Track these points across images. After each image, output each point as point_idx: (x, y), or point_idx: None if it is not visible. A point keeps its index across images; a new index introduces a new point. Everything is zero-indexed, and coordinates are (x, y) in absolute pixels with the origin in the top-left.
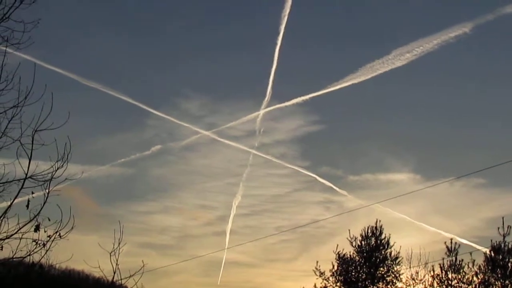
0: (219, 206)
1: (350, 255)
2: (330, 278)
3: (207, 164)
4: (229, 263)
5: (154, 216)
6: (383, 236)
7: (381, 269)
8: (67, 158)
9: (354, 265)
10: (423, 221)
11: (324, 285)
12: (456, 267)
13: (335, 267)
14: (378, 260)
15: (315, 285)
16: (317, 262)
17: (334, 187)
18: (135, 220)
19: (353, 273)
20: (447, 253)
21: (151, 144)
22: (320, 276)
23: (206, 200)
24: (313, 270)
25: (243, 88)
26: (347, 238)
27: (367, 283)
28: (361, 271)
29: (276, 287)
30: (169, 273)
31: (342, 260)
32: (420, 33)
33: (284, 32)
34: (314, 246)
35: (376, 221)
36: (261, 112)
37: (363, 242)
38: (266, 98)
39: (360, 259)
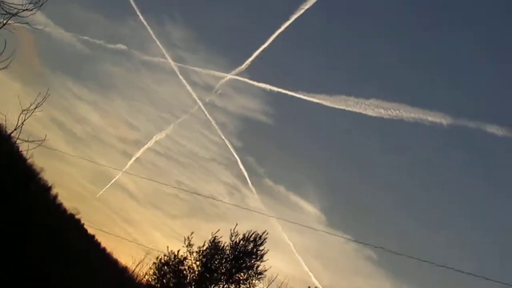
0: (141, 131)
1: (223, 245)
2: (194, 254)
3: (154, 89)
4: (118, 185)
5: (81, 103)
6: (261, 248)
7: (242, 274)
8: (41, 4)
9: (221, 256)
10: (302, 257)
11: (185, 256)
12: None
13: (205, 247)
14: (244, 265)
15: (178, 251)
16: (192, 232)
17: (248, 180)
18: (63, 96)
19: (216, 263)
20: None
21: (119, 40)
22: (187, 246)
23: (133, 118)
24: (184, 237)
25: (229, 44)
26: (231, 230)
27: (222, 278)
28: (223, 265)
29: (144, 231)
30: (61, 160)
31: (214, 244)
32: (402, 99)
33: (293, 23)
34: (199, 218)
35: (264, 232)
36: (229, 76)
37: (241, 242)
38: (241, 67)
39: (229, 255)
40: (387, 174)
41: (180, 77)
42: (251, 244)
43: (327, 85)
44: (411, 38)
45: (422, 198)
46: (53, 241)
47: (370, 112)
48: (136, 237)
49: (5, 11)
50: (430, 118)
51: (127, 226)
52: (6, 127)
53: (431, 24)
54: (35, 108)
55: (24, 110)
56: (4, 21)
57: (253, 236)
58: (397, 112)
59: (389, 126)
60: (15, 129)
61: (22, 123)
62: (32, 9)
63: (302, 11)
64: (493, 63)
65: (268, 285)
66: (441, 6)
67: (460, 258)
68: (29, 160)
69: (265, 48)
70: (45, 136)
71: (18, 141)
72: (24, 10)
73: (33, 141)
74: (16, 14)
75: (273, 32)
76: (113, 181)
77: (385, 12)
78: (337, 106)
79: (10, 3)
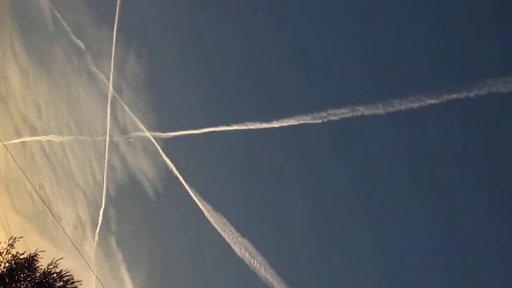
0: (43, 123)
1: (38, 267)
2: (9, 255)
3: (81, 98)
4: None
5: (14, 64)
6: None
7: None
8: None
9: (31, 275)
10: None
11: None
12: None
13: (22, 256)
14: None
15: None
16: (21, 237)
17: (97, 231)
18: (7, 48)
19: (22, 276)
20: None
21: None
22: (8, 245)
23: (47, 108)
24: (12, 236)
25: None
26: (53, 258)
27: None
28: (26, 284)
29: None
30: None
31: (31, 260)
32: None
33: None
34: (35, 228)
35: (78, 281)
36: None
37: (54, 275)
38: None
39: (37, 279)
40: None
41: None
42: (60, 283)
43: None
44: None
45: None
46: None
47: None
48: None
49: None
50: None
51: None
52: None
53: None
54: None
55: None
56: None
57: (68, 277)
58: None
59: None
60: None
61: None
62: None
63: None
64: None
65: None
66: None
67: None
68: None
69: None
70: None
71: None
72: None
73: None
74: None
75: None
76: None
77: None
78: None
79: None
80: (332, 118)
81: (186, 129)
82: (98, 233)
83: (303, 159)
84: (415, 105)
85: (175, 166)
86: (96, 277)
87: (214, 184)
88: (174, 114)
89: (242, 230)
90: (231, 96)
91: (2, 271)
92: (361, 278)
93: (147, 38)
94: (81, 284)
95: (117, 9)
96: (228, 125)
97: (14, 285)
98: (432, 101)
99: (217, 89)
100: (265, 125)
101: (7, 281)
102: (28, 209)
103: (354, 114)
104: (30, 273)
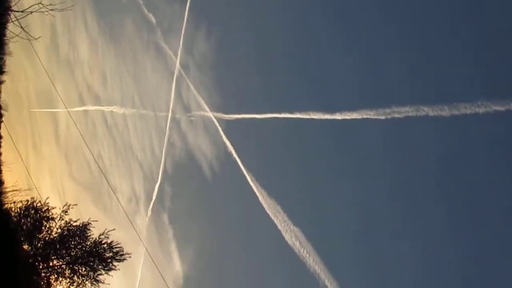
0: (108, 94)
1: (89, 235)
2: (62, 221)
3: (147, 75)
4: (53, 116)
5: (84, 33)
6: (116, 263)
7: (83, 268)
8: None
9: (81, 242)
10: None
11: (54, 216)
12: None
13: (75, 224)
14: (91, 264)
15: (51, 207)
16: (76, 204)
17: (151, 204)
18: (79, 17)
19: (73, 243)
20: None
21: None
22: (62, 211)
23: (112, 79)
24: (66, 203)
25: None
26: (105, 229)
27: (66, 257)
28: (75, 250)
29: (40, 168)
30: (32, 62)
31: (83, 228)
32: None
33: None
34: (90, 196)
35: (128, 253)
36: None
37: (104, 245)
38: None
39: (87, 247)
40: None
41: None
42: (110, 253)
43: None
44: None
45: None
46: None
47: None
48: (31, 166)
49: None
50: None
51: (32, 153)
52: None
53: None
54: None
55: None
56: None
57: (117, 247)
58: None
59: None
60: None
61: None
62: None
63: None
64: None
65: None
66: None
67: None
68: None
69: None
70: (39, 37)
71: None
72: None
73: (27, 33)
74: None
75: None
76: (53, 110)
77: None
78: None
79: None
80: (396, 115)
81: (249, 113)
82: (152, 208)
83: (363, 153)
84: (481, 110)
85: (234, 148)
86: (146, 250)
87: (271, 171)
88: (238, 97)
89: (295, 218)
90: (296, 85)
91: (54, 237)
92: (409, 275)
93: (218, 18)
94: (130, 257)
95: None
96: (291, 112)
97: (64, 252)
98: (498, 108)
99: (282, 77)
100: (327, 116)
101: (57, 246)
102: (84, 178)
103: (419, 114)
104: (81, 241)
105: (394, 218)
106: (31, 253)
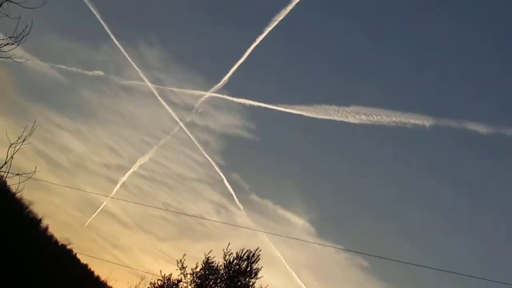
0: (125, 156)
1: (217, 266)
2: (188, 276)
3: (134, 113)
4: (105, 211)
5: (63, 133)
6: (255, 265)
7: None
8: (21, 39)
9: (216, 276)
10: (295, 271)
11: (180, 279)
12: None
13: (198, 269)
14: (239, 283)
15: (171, 275)
16: (184, 254)
17: (234, 197)
18: (45, 127)
19: (211, 283)
20: None
21: (96, 67)
22: (180, 269)
23: (116, 144)
24: (177, 260)
25: (205, 63)
26: (223, 250)
27: None
28: (219, 285)
29: (135, 256)
30: (49, 191)
31: (208, 265)
32: (384, 104)
33: (267, 35)
34: (189, 238)
35: (256, 249)
36: (208, 94)
37: (235, 261)
38: (219, 85)
39: (224, 274)
40: (373, 181)
41: (159, 98)
42: (245, 263)
43: (306, 95)
44: (387, 42)
45: (410, 201)
46: (46, 272)
47: (351, 120)
48: (127, 262)
49: None
50: (412, 121)
51: (118, 252)
52: None
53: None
54: (23, 141)
55: (13, 144)
56: None
57: (246, 254)
58: (379, 117)
59: (372, 131)
60: (5, 163)
61: (12, 157)
62: (13, 43)
63: (276, 23)
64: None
65: None
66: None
67: (456, 260)
68: (18, 194)
69: (241, 63)
70: (35, 169)
71: (8, 175)
72: (5, 45)
73: (22, 174)
74: None
75: (249, 47)
76: (100, 208)
77: (359, 16)
78: (318, 116)
79: None
80: None
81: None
82: (239, 201)
83: None
84: None
85: (251, 99)
86: (265, 233)
87: None
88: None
89: None
90: None
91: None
92: None
93: None
94: (260, 251)
95: None
96: None
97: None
98: None
99: None
100: None
101: None
102: (171, 230)
103: None
104: (216, 276)
105: None
106: None
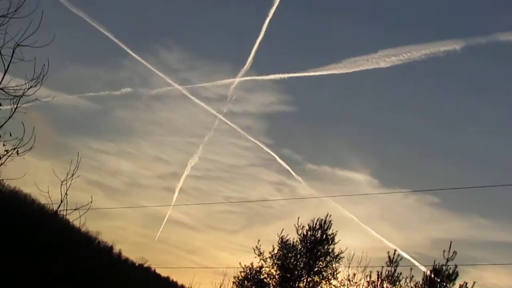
0: (174, 163)
1: (293, 242)
2: (268, 260)
3: (172, 118)
4: (171, 220)
5: (109, 157)
6: (329, 231)
7: (320, 263)
8: (42, 79)
9: (294, 252)
10: (370, 226)
11: (261, 265)
12: (393, 278)
13: (275, 250)
14: (319, 253)
15: (252, 264)
16: (258, 241)
17: (291, 171)
18: (90, 157)
19: (292, 260)
20: (388, 263)
21: (123, 85)
22: (258, 255)
23: (163, 153)
24: (253, 248)
25: (225, 51)
26: (294, 225)
27: (303, 273)
28: (300, 260)
29: (213, 255)
30: (111, 216)
31: (284, 245)
32: (410, 40)
33: (278, 6)
34: (258, 224)
35: (326, 215)
36: (237, 80)
37: (309, 233)
38: (245, 67)
39: (302, 249)
40: (420, 118)
41: (192, 97)
42: (319, 232)
43: (332, 53)
44: None
45: (461, 127)
46: None
47: (383, 64)
48: (206, 263)
49: (12, 95)
50: (442, 48)
51: (194, 256)
52: (51, 204)
53: None
54: (72, 176)
55: (63, 181)
56: (15, 106)
57: (318, 223)
58: (409, 54)
59: (406, 70)
60: (61, 203)
61: (66, 194)
62: (36, 85)
63: None
64: None
65: (349, 265)
66: None
67: None
68: (83, 229)
69: (261, 40)
70: (91, 199)
71: (67, 212)
72: (29, 89)
73: (80, 207)
74: (23, 95)
75: (263, 22)
76: (165, 219)
77: None
78: (349, 70)
79: (13, 87)
80: None
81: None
82: (296, 174)
83: None
84: None
85: (280, 73)
86: (331, 197)
87: None
88: None
89: None
90: None
91: (278, 274)
92: None
93: None
94: (330, 216)
95: None
96: None
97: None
98: None
99: None
100: None
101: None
102: (239, 221)
103: None
104: (295, 252)
105: None
106: None
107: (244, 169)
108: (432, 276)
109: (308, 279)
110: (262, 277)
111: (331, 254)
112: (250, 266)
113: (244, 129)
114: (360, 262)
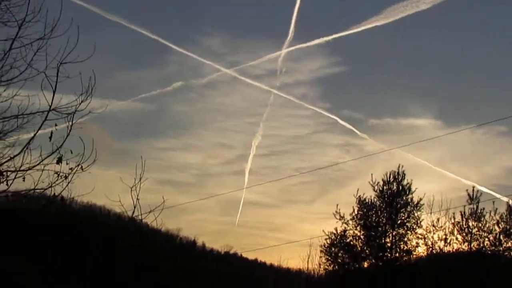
0: (239, 145)
1: (371, 200)
2: (350, 222)
3: (227, 103)
4: (247, 203)
5: (174, 153)
6: (404, 182)
7: (402, 214)
8: (91, 91)
9: (374, 209)
10: (443, 168)
11: (344, 228)
12: (477, 215)
13: (355, 211)
14: (399, 205)
15: (336, 229)
16: (337, 205)
17: (355, 130)
18: (155, 157)
19: (373, 218)
20: (468, 201)
21: (172, 80)
22: (340, 219)
23: (225, 138)
24: (333, 214)
25: (265, 26)
26: (369, 182)
27: (387, 228)
28: (381, 216)
29: (295, 228)
30: (188, 211)
31: (363, 204)
32: None
33: None
34: (333, 189)
35: (399, 166)
36: (283, 51)
37: (384, 187)
38: (288, 38)
39: (381, 204)
40: (469, 50)
41: (242, 78)
42: (394, 184)
43: (371, 5)
44: None
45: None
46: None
47: (423, 6)
48: (290, 238)
49: (65, 113)
50: None
51: (277, 234)
52: (126, 211)
53: None
54: (139, 180)
55: (132, 187)
56: (70, 123)
57: (392, 176)
58: None
59: (448, 7)
60: (134, 208)
61: (137, 199)
62: (87, 98)
63: None
64: None
65: (431, 211)
66: None
67: None
68: (163, 229)
69: (298, 7)
70: (163, 198)
71: (143, 216)
72: (81, 103)
73: (155, 209)
74: (76, 111)
75: None
76: (241, 203)
77: None
78: (392, 19)
79: (65, 105)
80: None
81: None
82: (361, 131)
83: None
84: None
85: (324, 36)
86: (400, 147)
87: None
88: None
89: None
90: None
91: (364, 234)
92: None
93: None
94: (403, 167)
95: None
96: None
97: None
98: None
99: None
100: None
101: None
102: (314, 190)
103: None
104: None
105: None
106: None
107: (308, 137)
108: None
109: (393, 233)
110: (347, 240)
111: (410, 203)
112: (334, 232)
113: (300, 98)
114: (441, 205)
